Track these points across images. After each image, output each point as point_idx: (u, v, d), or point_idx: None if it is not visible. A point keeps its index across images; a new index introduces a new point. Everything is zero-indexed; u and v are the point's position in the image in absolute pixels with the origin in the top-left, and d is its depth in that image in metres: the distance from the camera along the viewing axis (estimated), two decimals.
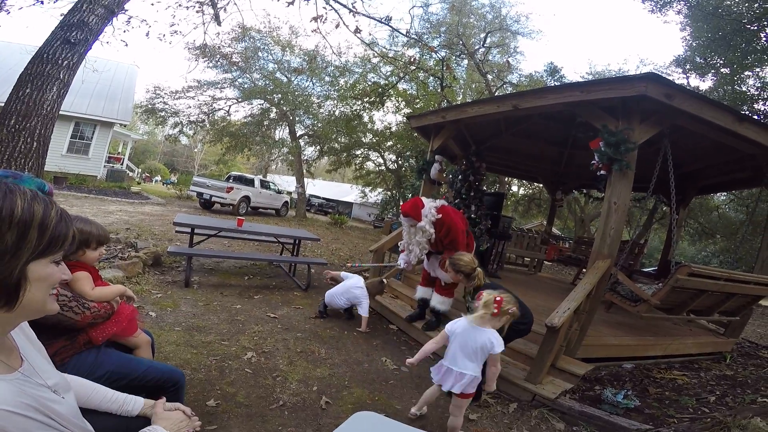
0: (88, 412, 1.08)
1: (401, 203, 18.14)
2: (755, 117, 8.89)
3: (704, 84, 11.60)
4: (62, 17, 4.88)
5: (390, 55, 13.07)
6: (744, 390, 3.65)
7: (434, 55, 12.32)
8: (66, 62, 4.70)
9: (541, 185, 13.84)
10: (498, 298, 2.18)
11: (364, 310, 3.96)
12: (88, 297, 1.52)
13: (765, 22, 8.80)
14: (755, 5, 8.89)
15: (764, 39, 9.12)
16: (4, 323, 0.75)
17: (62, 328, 1.40)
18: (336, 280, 4.38)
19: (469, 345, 2.20)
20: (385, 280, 4.42)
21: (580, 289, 3.17)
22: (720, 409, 3.11)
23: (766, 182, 4.36)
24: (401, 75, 13.85)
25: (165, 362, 2.56)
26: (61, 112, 4.97)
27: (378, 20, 8.11)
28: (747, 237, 11.60)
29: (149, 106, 15.89)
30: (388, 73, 15.13)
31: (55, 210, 0.76)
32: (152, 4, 7.81)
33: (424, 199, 3.90)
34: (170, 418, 1.17)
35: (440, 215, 3.72)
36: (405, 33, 9.50)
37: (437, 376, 2.34)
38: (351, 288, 4.07)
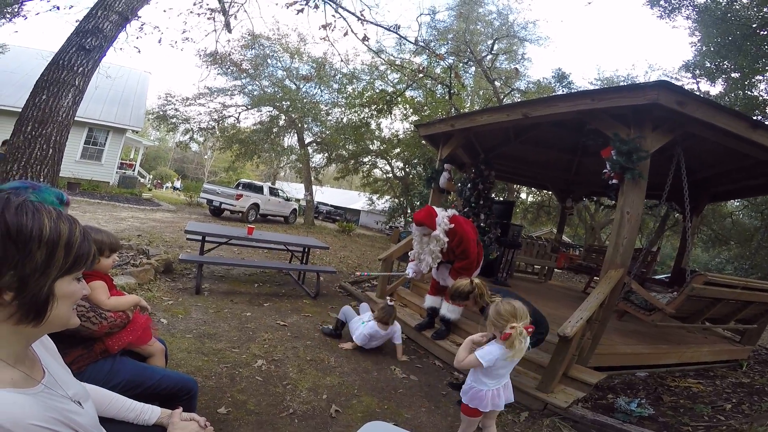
0: (105, 421, 1.09)
1: (409, 211, 18.22)
2: None
3: (714, 89, 11.45)
4: (77, 24, 4.98)
5: (397, 62, 13.14)
6: (761, 398, 3.59)
7: (442, 63, 12.37)
8: (81, 69, 4.77)
9: (551, 193, 13.75)
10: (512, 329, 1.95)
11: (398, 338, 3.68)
12: (104, 306, 1.55)
13: None
14: (765, 10, 8.79)
15: None
16: (29, 336, 0.77)
17: (79, 338, 1.43)
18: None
19: (508, 364, 2.08)
20: (389, 299, 3.96)
21: (592, 298, 3.14)
22: (736, 417, 3.06)
23: None
24: (409, 82, 13.92)
25: (177, 369, 2.59)
26: (75, 118, 5.04)
27: (386, 28, 8.20)
28: (762, 244, 11.36)
29: (161, 113, 16.14)
30: (396, 81, 15.22)
31: (78, 229, 0.78)
32: (164, 11, 8.00)
33: (435, 208, 3.90)
34: (186, 428, 1.18)
35: (452, 225, 3.71)
36: (413, 41, 9.55)
37: (488, 401, 2.06)
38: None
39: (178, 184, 31.57)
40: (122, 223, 8.34)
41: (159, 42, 7.88)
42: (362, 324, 3.64)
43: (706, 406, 3.23)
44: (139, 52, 8.24)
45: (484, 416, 2.16)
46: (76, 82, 4.75)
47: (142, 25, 7.11)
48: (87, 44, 4.80)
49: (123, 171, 17.47)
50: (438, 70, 13.85)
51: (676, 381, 3.79)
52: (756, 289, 3.83)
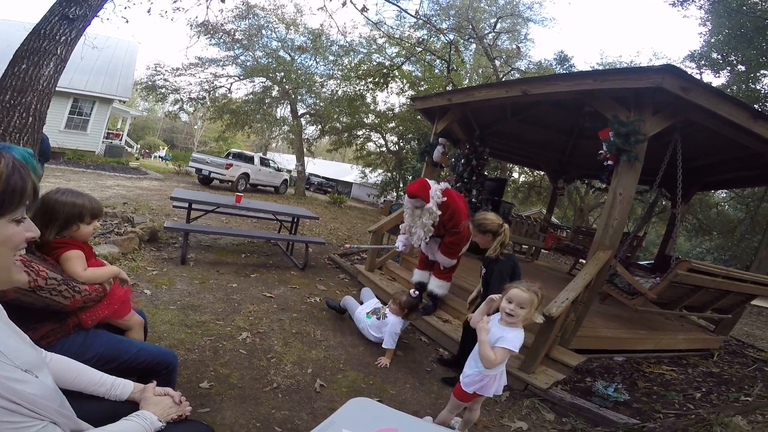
0: (74, 395, 1.05)
1: (401, 185, 18.13)
2: None
3: (717, 80, 11.44)
4: None
5: (396, 35, 12.73)
6: (728, 388, 3.68)
7: (442, 38, 12.05)
8: (64, 38, 4.62)
9: (542, 173, 13.73)
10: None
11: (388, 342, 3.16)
12: (79, 278, 1.45)
13: None
14: None
15: None
16: None
17: (51, 312, 1.35)
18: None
19: None
20: (413, 292, 3.43)
21: (579, 279, 3.15)
22: (704, 406, 3.14)
23: None
24: (407, 56, 13.56)
25: (159, 342, 2.56)
26: (59, 89, 4.92)
27: None
28: (745, 235, 11.61)
29: (149, 83, 15.70)
30: (394, 54, 14.82)
31: (5, 162, 0.68)
32: None
33: (428, 180, 3.83)
34: (159, 403, 1.14)
35: (445, 198, 3.65)
36: (414, 14, 9.23)
37: (487, 389, 2.03)
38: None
39: (163, 153, 29.85)
40: (107, 191, 8.15)
41: (148, 12, 7.51)
42: (368, 318, 3.37)
43: (678, 393, 3.30)
44: (127, 22, 7.86)
45: (474, 401, 2.16)
46: (58, 51, 4.61)
47: None
48: (71, 13, 4.63)
49: (110, 140, 17.13)
50: (438, 46, 13.52)
51: (651, 367, 3.87)
52: (735, 279, 3.88)
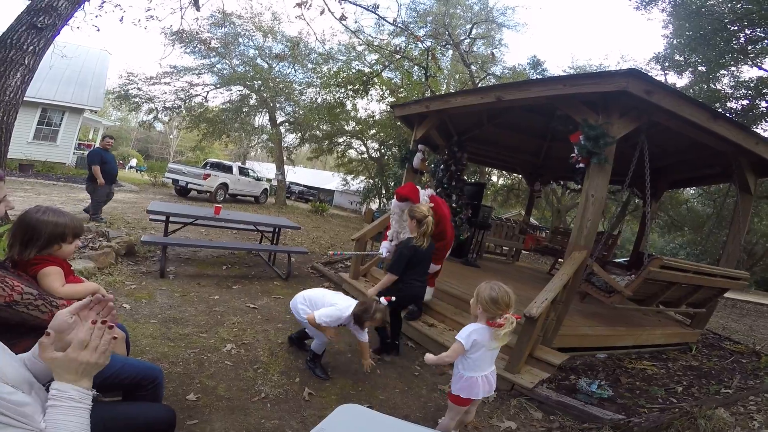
0: None
1: (384, 191, 18.18)
2: (728, 115, 9.21)
3: (681, 81, 11.92)
4: (29, 1, 4.64)
5: (375, 43, 12.89)
6: (708, 381, 3.78)
7: (420, 45, 12.25)
8: (32, 48, 4.51)
9: (520, 176, 14.03)
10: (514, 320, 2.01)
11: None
12: (57, 294, 1.42)
13: (745, 23, 9.03)
14: (738, 6, 9.09)
15: (743, 39, 9.39)
16: None
17: (29, 327, 1.31)
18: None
19: (493, 349, 2.10)
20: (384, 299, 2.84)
21: (557, 279, 3.24)
22: (687, 400, 3.20)
23: (734, 178, 4.52)
24: (386, 63, 13.72)
25: (141, 356, 2.50)
26: (26, 98, 4.80)
27: (365, 8, 8.00)
28: (713, 231, 12.14)
29: (122, 92, 15.31)
30: (373, 62, 14.96)
31: None
32: None
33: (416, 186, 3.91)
34: (66, 362, 0.91)
35: (432, 204, 3.72)
36: (392, 21, 9.37)
37: (480, 389, 2.08)
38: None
39: (134, 163, 28.47)
40: (80, 205, 7.87)
41: (121, 20, 7.34)
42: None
43: (660, 388, 3.38)
44: (98, 30, 7.65)
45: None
46: (26, 61, 4.51)
47: (102, 2, 6.64)
48: (39, 23, 4.54)
49: (81, 152, 16.59)
50: (416, 53, 13.73)
51: (632, 363, 3.96)
52: (706, 274, 4.04)
